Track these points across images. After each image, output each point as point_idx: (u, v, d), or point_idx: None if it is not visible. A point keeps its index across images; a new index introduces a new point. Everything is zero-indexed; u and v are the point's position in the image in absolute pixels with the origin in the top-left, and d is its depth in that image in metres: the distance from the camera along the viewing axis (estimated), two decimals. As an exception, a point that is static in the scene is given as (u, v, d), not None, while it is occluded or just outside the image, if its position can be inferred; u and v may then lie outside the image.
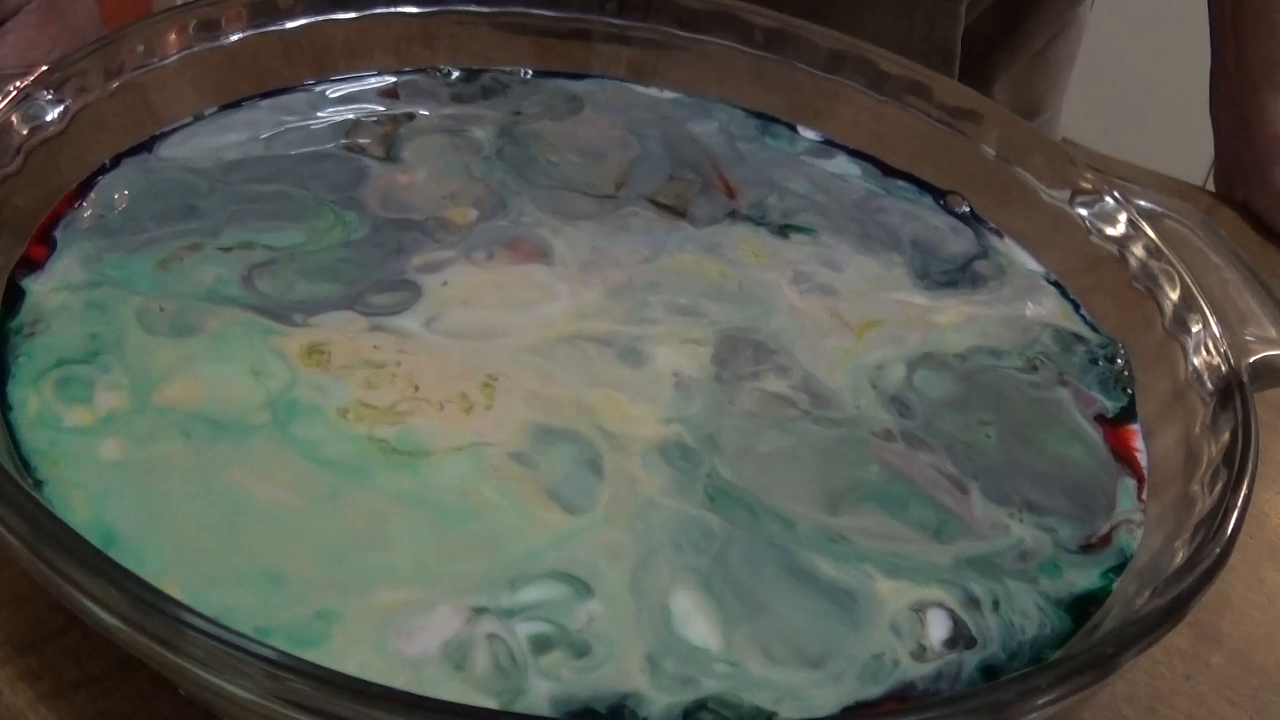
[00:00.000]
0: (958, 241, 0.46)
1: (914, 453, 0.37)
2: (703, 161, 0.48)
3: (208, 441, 0.33)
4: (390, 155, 0.45)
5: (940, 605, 0.32)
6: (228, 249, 0.40)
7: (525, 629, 0.30)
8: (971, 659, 0.31)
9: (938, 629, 0.32)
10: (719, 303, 0.41)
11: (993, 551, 0.34)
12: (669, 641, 0.30)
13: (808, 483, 0.35)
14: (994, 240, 0.46)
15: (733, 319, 0.41)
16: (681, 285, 0.42)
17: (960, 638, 0.32)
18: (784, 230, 0.45)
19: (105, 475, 0.32)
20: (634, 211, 0.44)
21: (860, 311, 0.42)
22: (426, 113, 0.48)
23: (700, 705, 0.29)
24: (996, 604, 0.33)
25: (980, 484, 0.36)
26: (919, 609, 0.32)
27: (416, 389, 0.36)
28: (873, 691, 0.30)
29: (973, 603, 0.33)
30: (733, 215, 0.45)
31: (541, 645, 0.30)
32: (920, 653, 0.31)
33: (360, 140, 0.46)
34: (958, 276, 0.44)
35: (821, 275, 0.43)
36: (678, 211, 0.45)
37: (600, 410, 0.36)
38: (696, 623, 0.31)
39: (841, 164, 0.49)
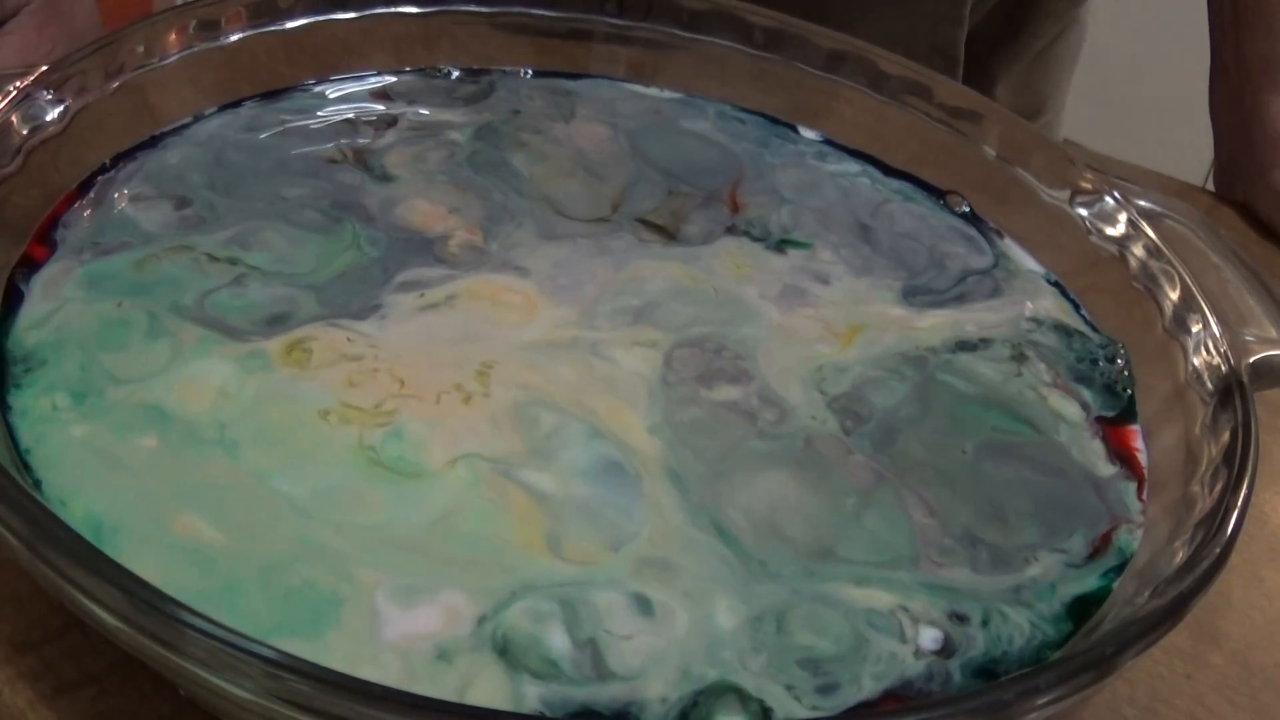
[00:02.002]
0: (969, 258, 0.45)
1: (884, 481, 0.36)
2: (714, 171, 0.47)
3: (182, 448, 0.33)
4: (383, 165, 0.44)
5: (927, 619, 0.32)
6: (215, 258, 0.39)
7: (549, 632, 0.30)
8: (955, 664, 0.31)
9: (927, 640, 0.32)
10: (686, 309, 0.40)
11: (987, 590, 0.34)
12: (706, 654, 0.30)
13: (760, 515, 0.34)
14: (1000, 246, 0.46)
15: (697, 325, 0.40)
16: (649, 292, 0.41)
17: (949, 650, 0.32)
18: (781, 245, 0.44)
19: (93, 469, 0.32)
20: (621, 235, 0.43)
21: (842, 319, 0.41)
22: (426, 113, 0.48)
23: (697, 699, 0.29)
24: (986, 621, 0.32)
25: (971, 558, 0.34)
26: (913, 619, 0.32)
27: (402, 384, 0.36)
28: (881, 687, 0.30)
29: (959, 618, 0.32)
30: (731, 230, 0.44)
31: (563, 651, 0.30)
32: (916, 653, 0.31)
33: (360, 141, 0.46)
34: (962, 290, 0.44)
35: (805, 288, 0.42)
36: (668, 233, 0.44)
37: (601, 414, 0.36)
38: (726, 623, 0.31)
39: (853, 169, 0.49)
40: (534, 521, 0.33)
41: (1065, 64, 0.75)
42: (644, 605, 0.31)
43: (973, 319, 0.42)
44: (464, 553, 0.32)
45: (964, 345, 0.41)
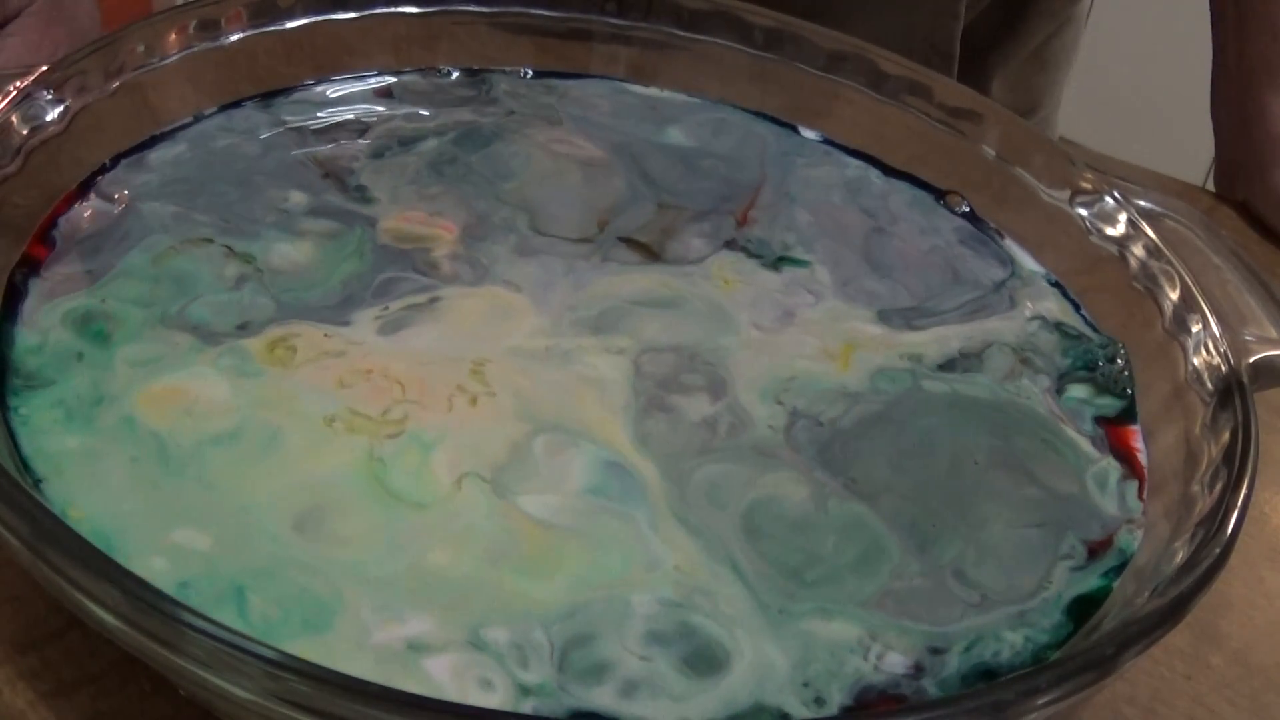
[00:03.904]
0: (983, 271, 0.45)
1: (866, 513, 0.35)
2: (725, 183, 0.47)
3: (175, 466, 0.33)
4: (375, 174, 0.44)
5: (899, 649, 0.31)
6: (230, 251, 0.40)
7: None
8: (929, 681, 0.31)
9: (897, 666, 0.31)
10: (661, 319, 0.40)
11: (987, 623, 0.33)
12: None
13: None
14: (1006, 248, 0.46)
15: (669, 334, 0.39)
16: (628, 303, 0.40)
17: (919, 673, 0.31)
18: (778, 263, 0.43)
19: (89, 486, 0.32)
20: (603, 257, 0.42)
21: (832, 337, 0.40)
22: (426, 113, 0.48)
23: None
24: (970, 647, 0.32)
25: (981, 610, 0.33)
26: (884, 647, 0.31)
27: (403, 388, 0.36)
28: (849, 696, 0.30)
29: (936, 651, 0.32)
30: (730, 245, 0.44)
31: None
32: (876, 669, 0.31)
33: (360, 142, 0.46)
34: (973, 306, 0.43)
35: (793, 305, 0.41)
36: (652, 251, 0.43)
37: (591, 425, 0.36)
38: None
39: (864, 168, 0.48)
40: (552, 559, 0.32)
41: (1061, 61, 0.75)
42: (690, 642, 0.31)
43: (977, 330, 0.42)
44: (474, 592, 0.31)
45: (962, 358, 0.41)
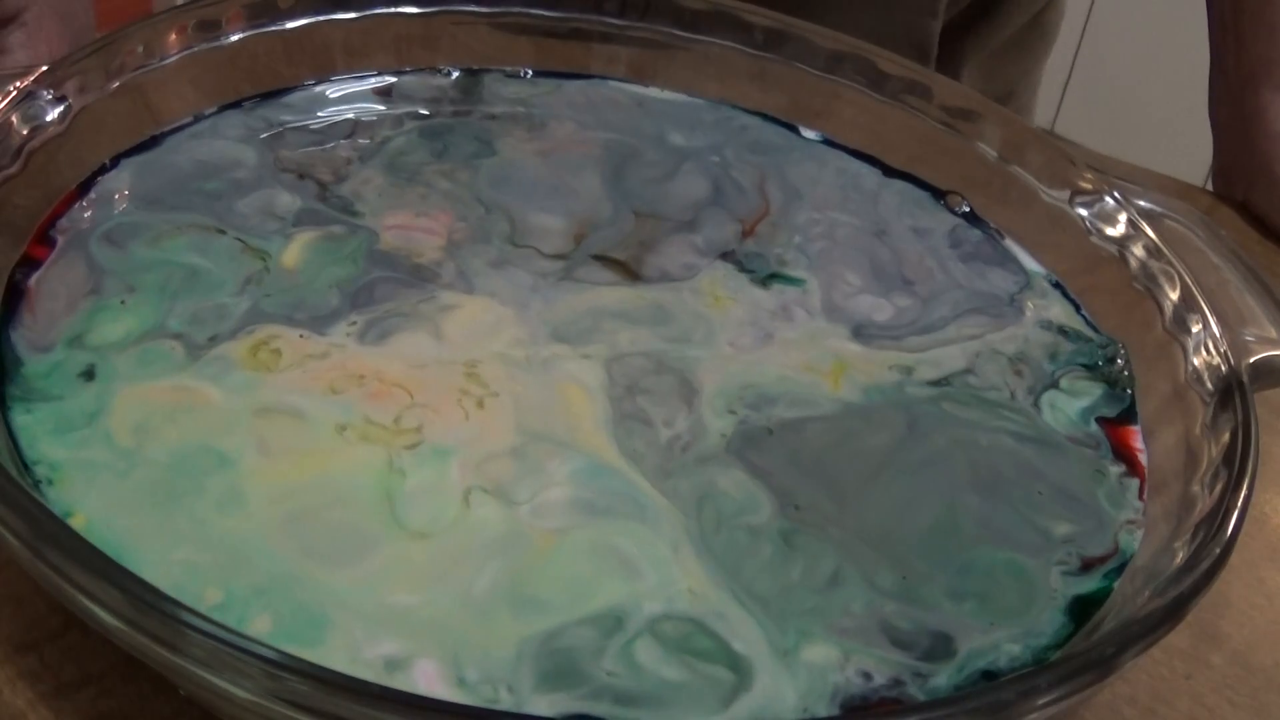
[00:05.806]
0: (994, 284, 0.44)
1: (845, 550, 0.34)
2: (731, 187, 0.46)
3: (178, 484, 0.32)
4: (362, 178, 0.44)
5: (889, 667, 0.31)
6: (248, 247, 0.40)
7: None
8: (914, 689, 0.31)
9: (885, 677, 0.31)
10: (635, 331, 0.39)
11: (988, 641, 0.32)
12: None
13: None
14: (1008, 249, 0.46)
15: (642, 344, 0.39)
16: (606, 313, 0.40)
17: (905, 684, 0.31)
18: (768, 280, 0.43)
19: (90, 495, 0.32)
20: (576, 276, 0.41)
21: (817, 355, 0.40)
22: (425, 112, 0.48)
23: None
24: (962, 667, 0.31)
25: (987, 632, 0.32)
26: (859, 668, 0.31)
27: (410, 395, 0.35)
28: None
29: (921, 675, 0.31)
30: (726, 257, 0.43)
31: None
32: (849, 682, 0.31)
33: (360, 141, 0.46)
34: (972, 318, 0.43)
35: (775, 326, 0.41)
36: (630, 270, 0.42)
37: (582, 436, 0.35)
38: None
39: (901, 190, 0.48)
40: (566, 574, 0.32)
41: (1038, 49, 0.74)
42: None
43: (981, 343, 0.42)
44: (477, 621, 0.30)
45: (961, 374, 0.40)
